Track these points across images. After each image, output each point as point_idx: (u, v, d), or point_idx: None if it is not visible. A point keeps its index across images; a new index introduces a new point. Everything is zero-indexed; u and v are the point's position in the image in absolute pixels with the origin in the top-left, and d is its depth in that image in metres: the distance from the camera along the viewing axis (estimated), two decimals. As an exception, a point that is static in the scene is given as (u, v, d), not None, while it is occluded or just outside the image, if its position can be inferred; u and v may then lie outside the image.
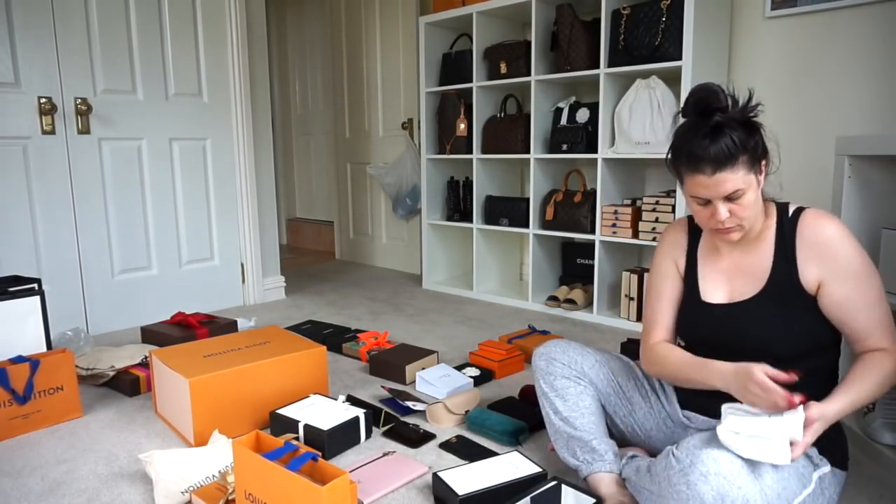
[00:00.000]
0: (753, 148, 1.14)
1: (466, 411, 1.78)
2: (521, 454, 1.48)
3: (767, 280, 1.22)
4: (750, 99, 1.16)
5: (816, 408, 1.07)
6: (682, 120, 1.21)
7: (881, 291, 1.18)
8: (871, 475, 1.48)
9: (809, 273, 1.19)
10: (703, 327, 1.30)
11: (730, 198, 1.16)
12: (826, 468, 1.16)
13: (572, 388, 1.41)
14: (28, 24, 2.43)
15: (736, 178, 1.13)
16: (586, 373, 1.43)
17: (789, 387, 1.08)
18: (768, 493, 1.04)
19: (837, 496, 1.19)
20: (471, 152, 3.29)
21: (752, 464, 1.05)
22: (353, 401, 1.90)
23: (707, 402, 1.29)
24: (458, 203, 3.48)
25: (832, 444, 1.19)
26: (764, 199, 1.24)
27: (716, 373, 1.18)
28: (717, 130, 1.13)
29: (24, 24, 2.42)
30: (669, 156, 1.21)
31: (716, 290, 1.30)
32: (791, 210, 1.24)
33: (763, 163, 1.18)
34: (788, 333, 1.19)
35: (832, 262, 1.17)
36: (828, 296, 1.18)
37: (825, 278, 1.18)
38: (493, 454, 1.58)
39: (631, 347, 2.21)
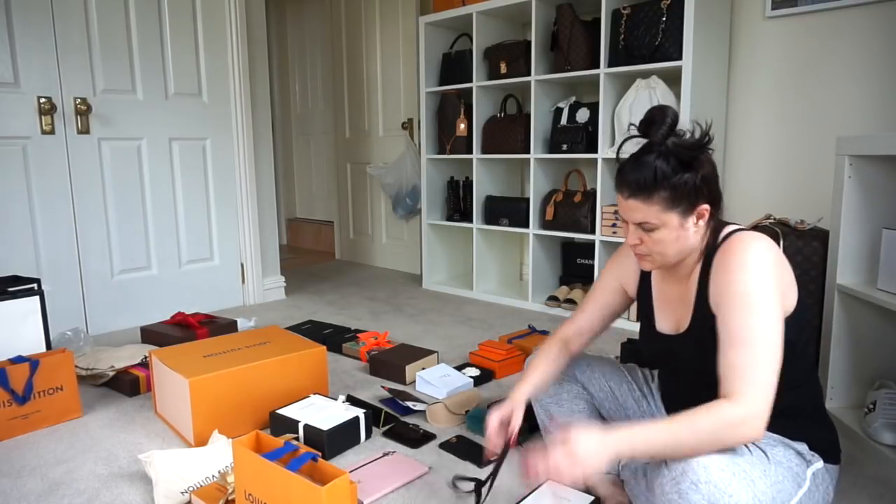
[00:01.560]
0: (677, 186, 1.08)
1: (466, 411, 1.78)
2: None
3: (692, 312, 1.19)
4: (703, 136, 1.09)
5: (587, 436, 0.99)
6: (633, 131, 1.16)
7: (765, 337, 1.03)
8: (871, 475, 1.48)
9: (712, 299, 1.13)
10: (658, 354, 1.30)
11: (642, 227, 1.13)
12: (819, 464, 1.16)
13: (566, 393, 1.42)
14: (28, 23, 2.43)
15: (648, 210, 1.10)
16: (579, 378, 1.43)
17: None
18: (762, 498, 1.03)
19: (833, 490, 1.19)
20: (471, 152, 3.29)
21: (744, 470, 1.04)
22: (353, 401, 1.90)
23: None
24: (458, 203, 3.48)
25: (822, 439, 1.19)
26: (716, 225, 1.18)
27: (510, 394, 1.29)
28: (647, 157, 1.09)
29: (23, 24, 2.42)
30: None
31: (664, 319, 1.28)
32: (722, 235, 1.16)
33: (699, 207, 1.11)
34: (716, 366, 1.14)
35: (722, 284, 1.09)
36: (717, 320, 1.10)
37: (718, 302, 1.10)
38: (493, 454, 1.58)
39: (630, 347, 2.21)
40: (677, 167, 1.08)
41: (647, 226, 1.12)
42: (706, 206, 1.12)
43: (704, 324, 1.17)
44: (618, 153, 1.19)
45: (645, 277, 1.33)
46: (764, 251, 1.08)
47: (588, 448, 1.00)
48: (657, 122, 1.09)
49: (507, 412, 1.26)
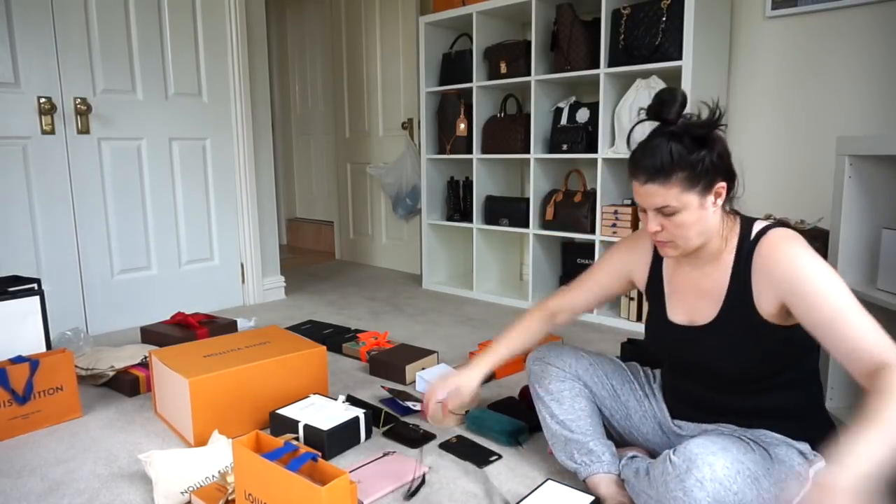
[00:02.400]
0: (695, 165, 1.07)
1: (466, 411, 1.78)
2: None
3: (722, 306, 1.17)
4: (712, 114, 1.09)
5: (831, 473, 0.85)
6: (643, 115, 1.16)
7: (857, 304, 1.05)
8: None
9: (767, 300, 1.12)
10: (666, 344, 1.28)
11: (662, 212, 1.11)
12: (821, 463, 1.16)
13: (567, 391, 1.41)
14: (28, 23, 2.43)
15: (667, 193, 1.08)
16: (581, 376, 1.43)
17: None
18: (766, 496, 1.03)
19: None
20: (471, 152, 3.29)
21: (748, 468, 1.04)
22: (353, 401, 1.90)
23: (694, 414, 1.29)
24: (458, 203, 3.48)
25: (824, 438, 1.19)
26: (733, 213, 1.18)
27: (475, 356, 1.30)
28: (661, 139, 1.08)
29: (23, 24, 2.42)
30: None
31: (677, 309, 1.26)
32: (755, 231, 1.15)
33: (717, 185, 1.10)
34: (741, 362, 1.15)
35: (792, 286, 1.07)
36: (802, 321, 1.08)
37: (791, 304, 1.08)
38: (494, 454, 1.58)
39: (631, 348, 2.21)
40: (692, 146, 1.07)
41: (668, 209, 1.10)
42: (723, 184, 1.11)
43: (736, 318, 1.14)
44: (629, 139, 1.18)
45: (657, 267, 1.30)
46: (804, 243, 1.10)
47: (847, 485, 0.85)
48: (668, 102, 1.08)
49: (453, 388, 1.31)
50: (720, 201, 1.13)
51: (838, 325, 1.03)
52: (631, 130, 1.20)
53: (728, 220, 1.18)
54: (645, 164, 1.09)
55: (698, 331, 1.21)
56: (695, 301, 1.23)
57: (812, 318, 1.06)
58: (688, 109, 1.12)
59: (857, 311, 1.03)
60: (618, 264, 1.36)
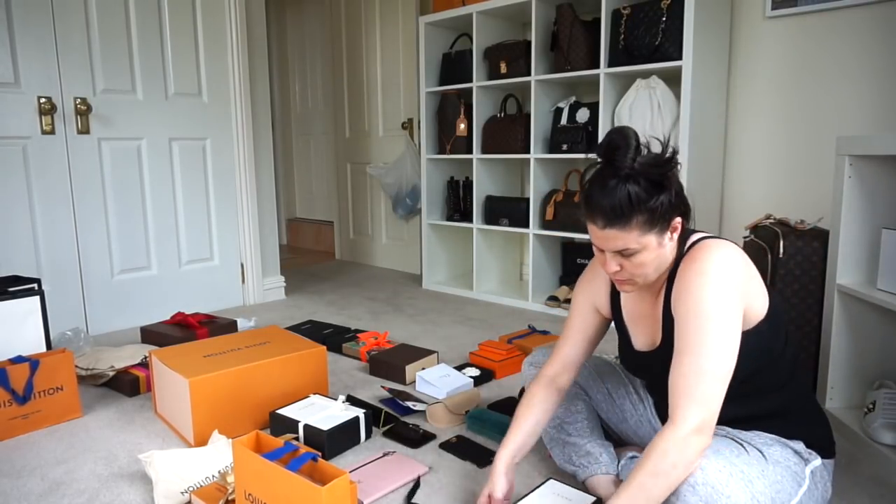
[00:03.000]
0: (654, 208, 1.04)
1: (466, 411, 1.78)
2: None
3: (662, 328, 1.18)
4: (665, 153, 1.05)
5: None
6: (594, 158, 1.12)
7: (715, 349, 1.02)
8: (870, 475, 1.48)
9: (673, 308, 1.11)
10: (639, 370, 1.29)
11: (622, 254, 1.09)
12: (817, 461, 1.16)
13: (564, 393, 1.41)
14: (28, 23, 2.43)
15: (627, 237, 1.06)
16: (577, 380, 1.43)
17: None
18: (760, 498, 1.03)
19: (831, 485, 1.19)
20: (471, 152, 3.29)
21: (741, 471, 1.04)
22: (353, 401, 1.90)
23: None
24: (458, 203, 3.48)
25: (817, 434, 1.19)
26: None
27: (496, 457, 1.27)
28: (617, 182, 1.04)
29: (23, 24, 2.42)
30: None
31: (639, 336, 1.26)
32: (688, 245, 1.14)
33: (673, 221, 1.09)
34: None
35: (680, 293, 1.08)
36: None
37: (674, 310, 1.09)
38: (493, 454, 1.58)
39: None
40: (650, 189, 1.04)
41: (627, 251, 1.09)
42: (679, 220, 1.10)
43: (672, 336, 1.15)
44: (582, 182, 1.13)
45: (615, 298, 1.29)
46: (725, 259, 1.06)
47: None
48: (621, 146, 1.04)
49: (505, 489, 1.24)
50: (676, 235, 1.12)
51: (679, 357, 1.06)
52: (585, 174, 1.14)
53: (662, 257, 1.15)
54: (603, 207, 1.05)
55: (656, 354, 1.21)
56: (650, 329, 1.23)
57: (675, 334, 1.08)
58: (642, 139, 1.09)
59: (697, 351, 1.03)
60: (584, 304, 1.33)
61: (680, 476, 1.00)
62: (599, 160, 1.09)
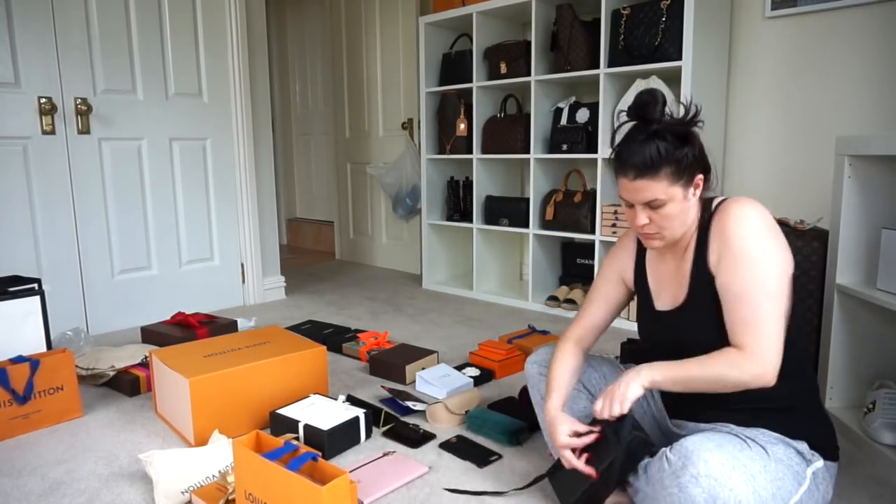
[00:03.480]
0: (680, 160, 1.13)
1: (466, 411, 1.78)
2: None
3: (689, 285, 1.23)
4: (689, 112, 1.15)
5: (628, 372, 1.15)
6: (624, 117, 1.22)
7: (769, 290, 1.10)
8: (870, 475, 1.48)
9: (713, 261, 1.19)
10: (656, 333, 1.32)
11: (650, 205, 1.17)
12: (819, 463, 1.16)
13: None
14: (28, 23, 2.43)
15: (656, 187, 1.14)
16: (580, 378, 1.43)
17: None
18: (762, 493, 1.04)
19: (832, 488, 1.19)
20: (471, 152, 3.29)
21: (744, 465, 1.05)
22: (353, 401, 1.90)
23: (694, 411, 1.29)
24: (458, 203, 3.48)
25: (821, 437, 1.19)
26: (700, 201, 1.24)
27: (545, 410, 1.29)
28: (646, 138, 1.13)
29: (24, 24, 2.42)
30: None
31: (662, 297, 1.31)
32: (714, 205, 1.22)
33: (696, 177, 1.17)
34: (720, 334, 1.18)
35: (724, 242, 1.15)
36: (719, 281, 1.16)
37: (719, 262, 1.16)
38: (494, 454, 1.58)
39: (630, 348, 2.21)
40: (675, 143, 1.13)
41: (656, 203, 1.16)
42: (701, 176, 1.18)
43: (703, 292, 1.19)
44: (613, 140, 1.22)
45: (641, 262, 1.36)
46: (759, 210, 1.14)
47: (624, 387, 1.14)
48: (650, 103, 1.14)
49: (568, 430, 1.23)
50: (699, 192, 1.20)
51: (730, 308, 1.13)
52: (615, 132, 1.23)
53: (698, 209, 1.24)
54: (634, 161, 1.14)
55: (677, 313, 1.26)
56: (675, 288, 1.28)
57: (724, 281, 1.14)
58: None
59: (761, 298, 1.10)
60: (611, 273, 1.40)
61: (716, 380, 1.09)
62: (630, 120, 1.18)
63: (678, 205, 1.16)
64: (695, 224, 1.22)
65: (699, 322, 1.20)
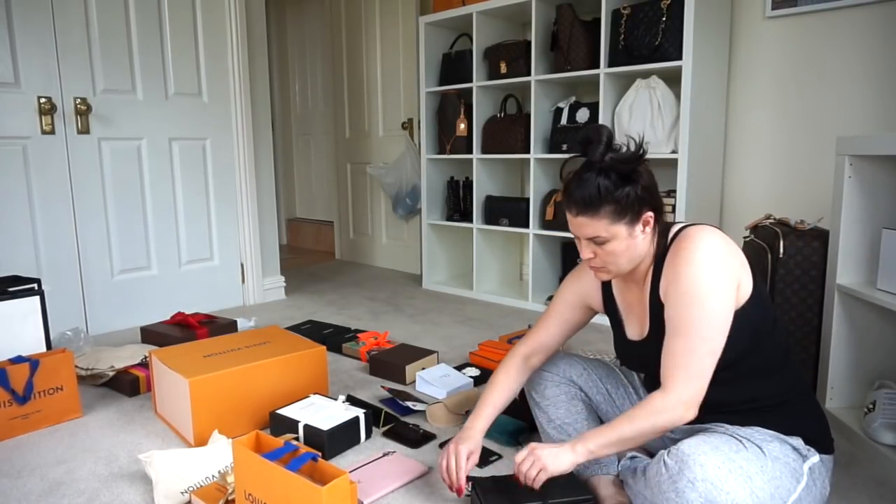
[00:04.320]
0: (620, 199, 1.13)
1: (466, 411, 1.78)
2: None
3: (649, 316, 1.24)
4: (637, 149, 1.14)
5: (551, 454, 1.15)
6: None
7: (705, 333, 1.09)
8: (870, 475, 1.48)
9: (663, 292, 1.18)
10: (631, 359, 1.34)
11: (594, 241, 1.18)
12: (815, 458, 1.16)
13: (563, 395, 1.42)
14: (28, 23, 2.43)
15: (597, 225, 1.15)
16: (575, 380, 1.44)
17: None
18: (760, 495, 1.04)
19: (829, 482, 1.20)
20: (471, 152, 3.29)
21: (740, 467, 1.05)
22: (353, 401, 1.90)
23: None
24: (458, 203, 3.48)
25: (814, 430, 1.19)
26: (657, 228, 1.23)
27: (465, 427, 1.35)
28: (589, 175, 1.14)
29: (23, 24, 2.42)
30: None
31: (631, 326, 1.31)
32: (671, 235, 1.21)
33: (644, 214, 1.16)
34: None
35: (673, 276, 1.14)
36: (665, 311, 1.16)
37: (666, 294, 1.16)
38: (494, 454, 1.58)
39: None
40: (618, 181, 1.13)
41: (599, 239, 1.17)
42: (650, 213, 1.18)
43: (661, 324, 1.20)
44: (561, 173, 1.23)
45: (608, 289, 1.36)
46: (710, 243, 1.13)
47: (552, 457, 1.15)
48: (594, 141, 1.14)
49: (468, 450, 1.30)
50: (649, 229, 1.19)
51: (672, 338, 1.13)
52: (563, 166, 1.24)
53: (655, 237, 1.23)
54: (575, 197, 1.15)
55: (646, 343, 1.26)
56: (640, 316, 1.29)
57: (668, 314, 1.15)
58: (622, 140, 1.16)
59: (696, 338, 1.10)
60: (571, 296, 1.40)
61: (647, 432, 1.10)
62: (576, 154, 1.19)
63: (622, 242, 1.17)
64: (651, 254, 1.23)
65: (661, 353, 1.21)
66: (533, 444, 1.19)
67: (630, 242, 1.17)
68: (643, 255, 1.21)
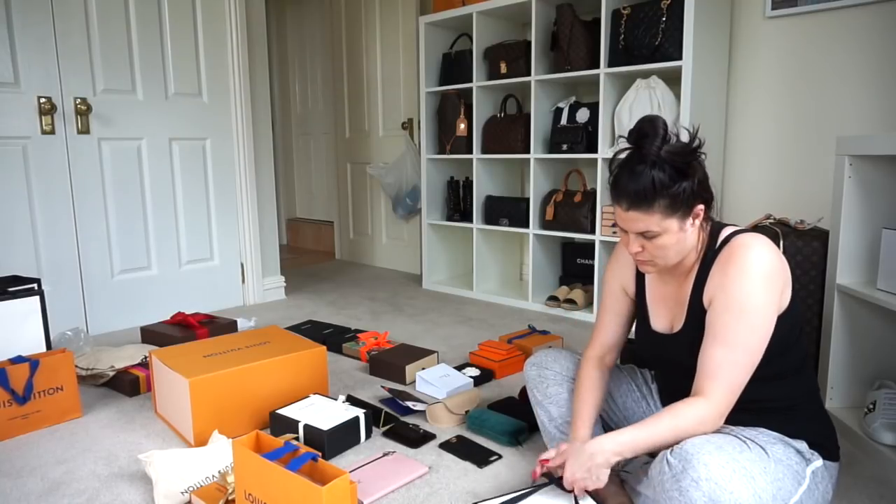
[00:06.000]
0: (676, 194, 1.10)
1: (466, 411, 1.78)
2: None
3: (687, 312, 1.22)
4: (692, 141, 1.11)
5: (592, 442, 1.13)
6: (623, 143, 1.18)
7: (748, 344, 1.09)
8: (871, 475, 1.48)
9: (708, 294, 1.16)
10: (653, 352, 1.32)
11: (644, 235, 1.15)
12: (818, 462, 1.16)
13: (565, 393, 1.42)
14: (28, 23, 2.43)
15: (649, 219, 1.12)
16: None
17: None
18: (763, 495, 1.03)
19: (832, 488, 1.19)
20: (471, 152, 3.29)
21: (744, 467, 1.05)
22: (353, 401, 1.90)
23: None
24: (458, 203, 3.48)
25: (821, 435, 1.19)
26: (706, 222, 1.21)
27: (572, 440, 1.28)
28: (643, 168, 1.10)
29: (23, 24, 2.42)
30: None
31: (660, 318, 1.30)
32: (721, 238, 1.19)
33: (696, 208, 1.14)
34: None
35: (722, 282, 1.12)
36: (707, 315, 1.15)
37: (713, 298, 1.14)
38: (494, 454, 1.58)
39: (631, 347, 2.21)
40: (674, 175, 1.10)
41: (650, 234, 1.14)
42: (701, 207, 1.15)
43: (698, 322, 1.18)
44: (611, 165, 1.19)
45: (640, 277, 1.34)
46: (765, 255, 1.11)
47: (597, 454, 1.13)
48: (649, 134, 1.10)
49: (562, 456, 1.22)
50: (698, 221, 1.17)
51: (714, 345, 1.12)
52: (614, 158, 1.20)
53: (702, 233, 1.21)
54: (628, 190, 1.12)
55: (673, 337, 1.25)
56: (673, 309, 1.27)
57: (710, 318, 1.14)
58: (670, 128, 1.15)
59: (739, 349, 1.10)
60: (614, 286, 1.39)
61: (684, 438, 1.09)
62: (629, 146, 1.14)
63: (673, 236, 1.14)
64: (699, 250, 1.20)
65: (692, 351, 1.19)
66: (564, 451, 1.18)
67: (680, 236, 1.15)
68: (690, 249, 1.19)
